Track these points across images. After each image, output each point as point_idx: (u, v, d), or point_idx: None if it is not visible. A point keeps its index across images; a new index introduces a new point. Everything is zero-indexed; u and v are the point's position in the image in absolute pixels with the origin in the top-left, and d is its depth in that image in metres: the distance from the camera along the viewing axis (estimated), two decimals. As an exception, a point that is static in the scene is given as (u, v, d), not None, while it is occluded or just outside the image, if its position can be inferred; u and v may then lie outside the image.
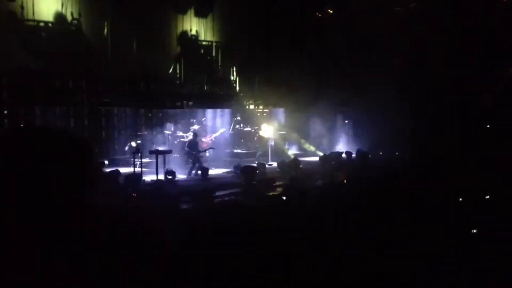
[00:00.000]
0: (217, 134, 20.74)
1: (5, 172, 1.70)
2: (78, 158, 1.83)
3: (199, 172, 16.63)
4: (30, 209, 1.68)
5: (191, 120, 20.49)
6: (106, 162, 17.27)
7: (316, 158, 20.14)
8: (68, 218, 1.74)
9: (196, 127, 19.94)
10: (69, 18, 18.30)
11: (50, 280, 1.67)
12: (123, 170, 15.77)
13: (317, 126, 23.12)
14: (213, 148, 19.26)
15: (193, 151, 17.14)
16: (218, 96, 20.43)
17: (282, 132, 22.75)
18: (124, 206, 10.91)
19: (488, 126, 20.41)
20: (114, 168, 15.10)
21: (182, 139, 19.00)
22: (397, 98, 20.77)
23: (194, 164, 16.95)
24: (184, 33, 22.37)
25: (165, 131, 19.76)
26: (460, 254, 4.94)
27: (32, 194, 1.69)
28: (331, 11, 23.38)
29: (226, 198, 12.13)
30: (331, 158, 19.28)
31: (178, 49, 21.93)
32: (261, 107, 22.82)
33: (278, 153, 20.58)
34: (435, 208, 7.05)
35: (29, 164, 1.71)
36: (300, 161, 18.90)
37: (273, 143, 20.32)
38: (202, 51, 22.93)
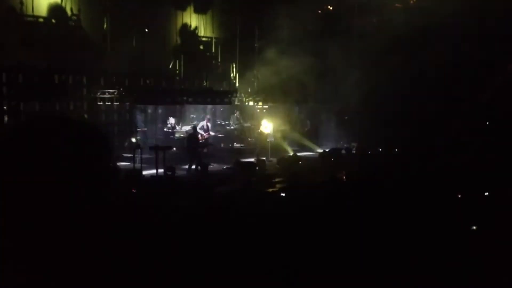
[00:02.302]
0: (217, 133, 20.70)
1: (23, 162, 1.69)
2: (99, 150, 1.82)
3: (199, 167, 16.64)
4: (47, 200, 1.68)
5: (191, 116, 20.49)
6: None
7: (316, 155, 20.16)
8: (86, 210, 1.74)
9: (195, 122, 19.95)
10: (68, 13, 18.27)
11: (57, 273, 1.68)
12: (123, 166, 15.74)
13: (316, 122, 23.12)
14: (211, 145, 19.26)
15: (191, 146, 17.16)
16: (217, 92, 20.41)
17: (282, 128, 22.74)
18: (123, 202, 10.91)
19: (487, 123, 20.43)
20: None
21: (182, 135, 19.02)
22: (396, 95, 20.77)
23: (192, 159, 16.97)
24: (184, 29, 22.34)
25: (165, 127, 19.79)
26: (459, 251, 4.96)
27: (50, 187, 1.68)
28: (331, 8, 23.35)
29: (225, 194, 12.14)
30: (331, 155, 19.30)
31: (178, 45, 21.90)
32: (260, 103, 22.81)
33: (278, 149, 20.60)
34: (433, 205, 7.07)
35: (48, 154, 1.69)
36: (299, 157, 18.92)
37: (272, 139, 20.33)
38: (201, 47, 22.91)
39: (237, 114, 22.10)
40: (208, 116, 20.38)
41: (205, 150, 18.50)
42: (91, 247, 1.76)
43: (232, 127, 21.77)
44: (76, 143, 1.75)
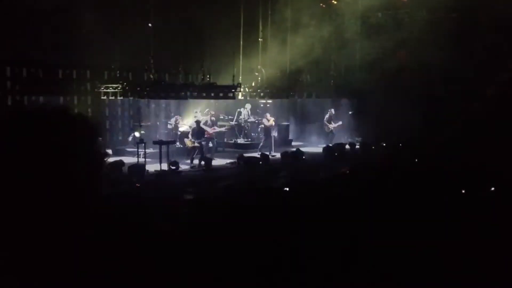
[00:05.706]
0: (222, 128, 20.64)
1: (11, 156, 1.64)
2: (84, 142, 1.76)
3: (202, 162, 16.65)
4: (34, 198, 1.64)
5: (194, 111, 20.44)
6: (110, 152, 17.28)
7: (319, 149, 20.11)
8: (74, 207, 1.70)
9: (199, 115, 19.89)
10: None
11: (52, 273, 1.65)
12: (127, 160, 15.81)
13: (321, 116, 23.04)
14: (215, 139, 19.25)
15: (194, 139, 17.23)
16: (221, 87, 20.35)
17: (285, 123, 22.71)
18: (127, 196, 10.94)
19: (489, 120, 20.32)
20: (118, 158, 15.13)
21: (185, 130, 19.01)
22: (399, 91, 20.70)
23: (195, 152, 17.02)
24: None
25: (169, 121, 19.76)
26: (462, 247, 4.93)
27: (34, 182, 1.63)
28: (335, 2, 23.24)
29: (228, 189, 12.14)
30: (334, 150, 19.25)
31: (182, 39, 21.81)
32: (265, 97, 22.75)
33: (281, 144, 20.58)
34: (437, 200, 7.04)
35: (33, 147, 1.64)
36: (303, 152, 18.88)
37: (276, 134, 20.29)
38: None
39: (248, 108, 21.93)
40: (211, 112, 20.27)
41: (210, 145, 18.49)
42: (86, 246, 1.71)
43: (241, 121, 21.69)
44: (59, 134, 1.68)
